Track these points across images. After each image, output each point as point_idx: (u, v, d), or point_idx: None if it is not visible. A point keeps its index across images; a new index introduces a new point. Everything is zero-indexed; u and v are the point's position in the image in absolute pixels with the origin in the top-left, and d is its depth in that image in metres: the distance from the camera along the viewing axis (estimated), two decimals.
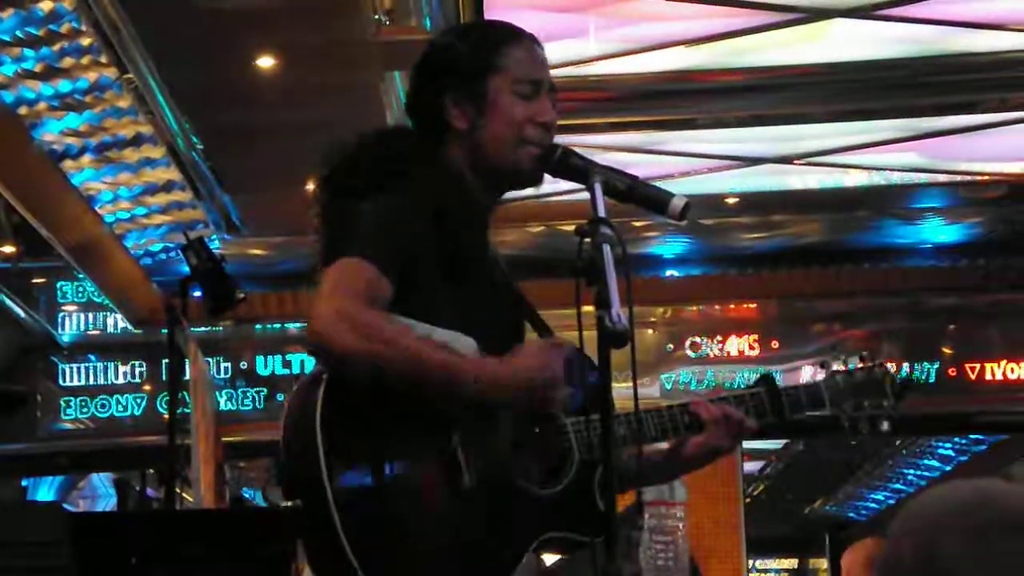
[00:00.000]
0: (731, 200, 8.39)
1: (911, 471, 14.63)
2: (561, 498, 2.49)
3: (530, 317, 2.72)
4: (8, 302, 9.03)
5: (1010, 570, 1.55)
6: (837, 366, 2.86)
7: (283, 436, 2.42)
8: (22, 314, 9.22)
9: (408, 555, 2.36)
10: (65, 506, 9.32)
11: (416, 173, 2.57)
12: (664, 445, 2.72)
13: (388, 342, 2.36)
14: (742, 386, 2.82)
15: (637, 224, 8.29)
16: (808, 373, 9.40)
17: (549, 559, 2.53)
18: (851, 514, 17.04)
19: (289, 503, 2.35)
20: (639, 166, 7.26)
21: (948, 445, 13.41)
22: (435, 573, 2.38)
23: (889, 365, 2.92)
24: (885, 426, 2.85)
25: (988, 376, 9.45)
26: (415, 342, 2.38)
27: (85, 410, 9.52)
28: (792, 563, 19.63)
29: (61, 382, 9.57)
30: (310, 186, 2.70)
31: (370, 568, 2.31)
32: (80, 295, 9.54)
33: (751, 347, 9.53)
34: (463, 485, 2.40)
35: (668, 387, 9.45)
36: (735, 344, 9.53)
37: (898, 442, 13.55)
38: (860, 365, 2.86)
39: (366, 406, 2.37)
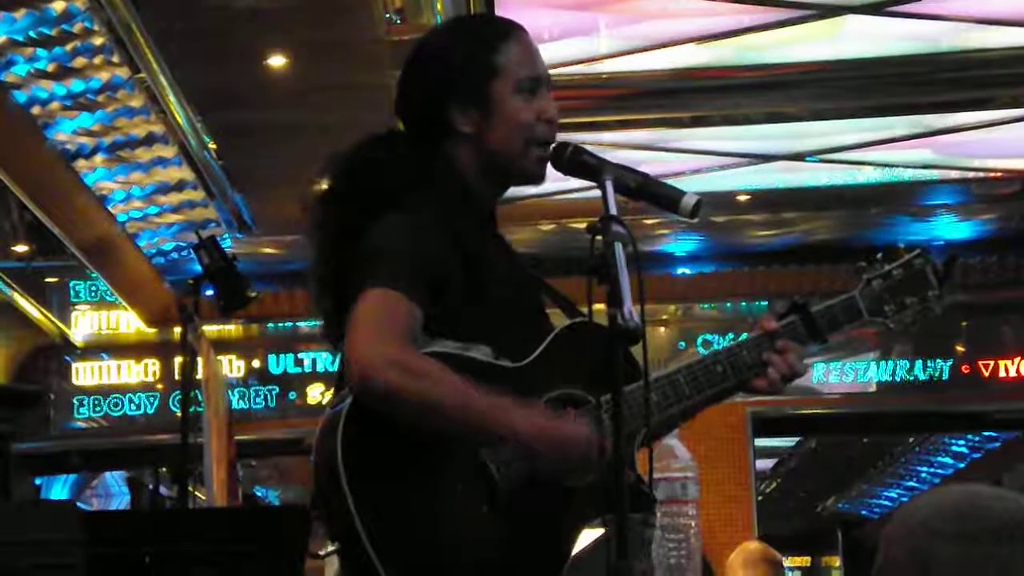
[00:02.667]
0: (743, 197, 8.38)
1: (924, 468, 14.61)
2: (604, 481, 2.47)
3: (556, 300, 2.71)
4: (21, 301, 9.05)
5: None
6: (871, 271, 2.78)
7: (313, 477, 2.39)
8: (35, 313, 9.24)
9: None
10: (78, 504, 9.34)
11: (426, 186, 2.56)
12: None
13: (430, 381, 2.34)
14: None
15: (648, 222, 8.28)
16: (820, 370, 9.41)
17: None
18: (864, 511, 17.02)
19: (332, 550, 2.32)
20: (650, 164, 7.25)
21: (961, 442, 13.39)
22: None
23: (918, 253, 2.79)
24: (937, 310, 2.73)
25: (1002, 373, 9.43)
26: (455, 382, 2.36)
27: (98, 409, 9.53)
28: (805, 561, 19.60)
29: (74, 381, 9.59)
30: (313, 193, 2.68)
31: None
32: (93, 294, 9.55)
33: None
34: (499, 496, 2.38)
35: None
36: None
37: (911, 439, 13.54)
38: (897, 263, 2.76)
39: (388, 438, 2.35)
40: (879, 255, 2.80)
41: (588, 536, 2.53)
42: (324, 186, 2.65)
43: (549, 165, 2.62)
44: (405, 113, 2.68)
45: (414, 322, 2.40)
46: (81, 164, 7.14)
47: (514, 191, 2.75)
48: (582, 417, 2.45)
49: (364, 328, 2.37)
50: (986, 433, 12.52)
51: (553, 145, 2.60)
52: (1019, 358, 9.45)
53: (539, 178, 2.66)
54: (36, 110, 6.53)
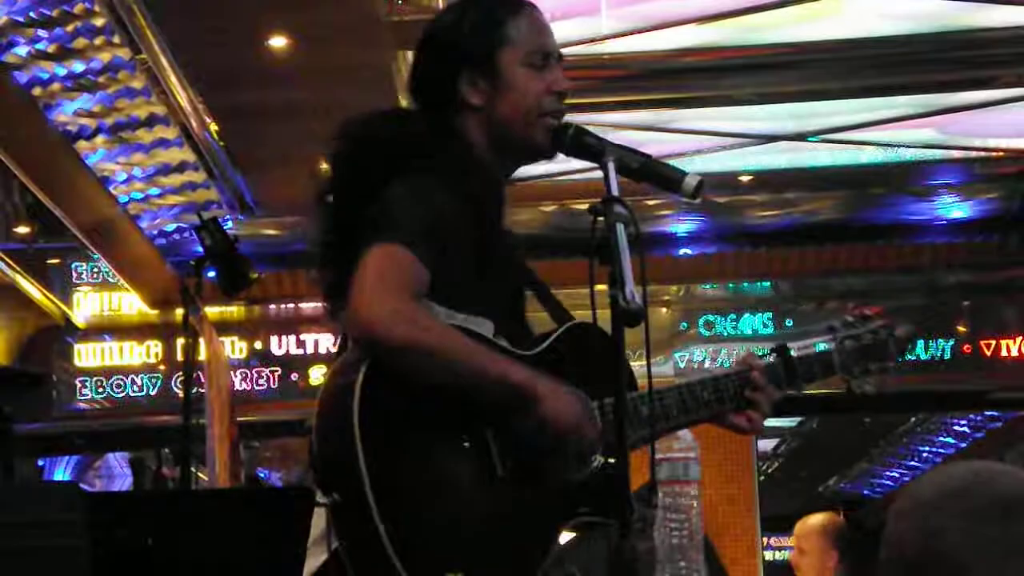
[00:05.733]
0: (745, 178, 8.37)
1: (926, 448, 14.62)
2: (591, 480, 2.48)
3: (541, 294, 2.71)
4: (23, 282, 9.06)
5: (1008, 552, 1.56)
6: (845, 331, 2.88)
7: (317, 425, 2.40)
8: (37, 294, 9.24)
9: (446, 546, 2.36)
10: (81, 486, 9.34)
11: (439, 153, 2.56)
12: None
13: (435, 334, 2.36)
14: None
15: (650, 202, 8.27)
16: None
17: (563, 538, 2.53)
18: (866, 491, 17.04)
19: (325, 498, 2.34)
20: (652, 144, 7.24)
21: (963, 422, 13.39)
22: (473, 562, 2.37)
23: (884, 323, 2.96)
24: (886, 382, 2.89)
25: (1004, 352, 9.43)
26: (460, 336, 2.39)
27: (100, 390, 9.54)
28: None
29: (76, 362, 9.60)
30: (323, 165, 2.69)
31: (408, 559, 2.30)
32: (95, 276, 9.56)
33: (765, 325, 9.52)
34: (496, 475, 2.40)
35: (681, 365, 9.45)
36: (749, 322, 9.52)
37: (913, 419, 13.55)
38: (867, 328, 2.90)
39: (403, 396, 2.37)
40: (849, 317, 2.94)
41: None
42: (332, 157, 2.65)
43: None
44: (417, 89, 2.68)
45: (421, 278, 2.41)
46: (82, 145, 7.14)
47: (517, 171, 2.75)
48: (579, 395, 2.46)
49: (370, 283, 2.39)
50: (988, 413, 12.52)
51: (563, 121, 2.60)
52: (1021, 338, 9.44)
53: (548, 150, 2.64)
54: (37, 91, 6.52)
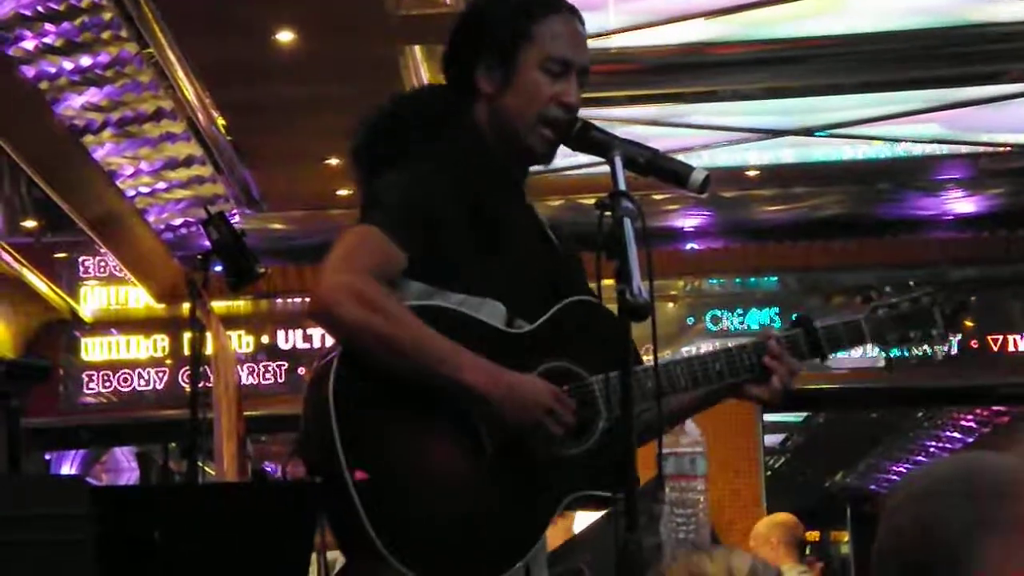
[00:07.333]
0: (752, 172, 8.36)
1: (932, 443, 14.62)
2: (588, 457, 2.48)
3: (578, 286, 2.70)
4: (30, 276, 9.07)
5: (1013, 530, 1.55)
6: (881, 301, 2.77)
7: (302, 410, 2.44)
8: (44, 288, 9.26)
9: (430, 527, 2.36)
10: (87, 480, 9.34)
11: (443, 136, 2.59)
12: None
13: (387, 317, 2.37)
14: None
15: (657, 197, 8.28)
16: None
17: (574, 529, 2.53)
18: (872, 486, 17.05)
19: (310, 478, 2.37)
20: (659, 139, 7.24)
21: (970, 416, 13.39)
22: (460, 543, 2.38)
23: (928, 291, 2.81)
24: (939, 353, 2.77)
25: (1011, 347, 9.43)
26: (416, 324, 2.38)
27: (107, 384, 9.56)
28: (814, 535, 19.62)
29: (83, 356, 9.61)
30: (333, 161, 2.72)
31: (392, 542, 2.31)
32: (102, 270, 9.57)
33: (772, 320, 9.52)
34: (484, 454, 2.40)
35: None
36: (756, 317, 9.52)
37: (919, 414, 13.54)
38: (904, 297, 2.77)
39: (382, 379, 2.38)
40: (888, 288, 2.81)
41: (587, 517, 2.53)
42: (351, 146, 2.67)
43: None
44: (445, 67, 2.70)
45: (390, 260, 2.43)
46: (89, 139, 7.14)
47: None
48: (540, 382, 2.44)
49: (335, 258, 2.42)
50: (995, 407, 12.52)
51: (564, 130, 2.59)
52: None
53: (543, 157, 2.64)
54: (44, 85, 6.53)
